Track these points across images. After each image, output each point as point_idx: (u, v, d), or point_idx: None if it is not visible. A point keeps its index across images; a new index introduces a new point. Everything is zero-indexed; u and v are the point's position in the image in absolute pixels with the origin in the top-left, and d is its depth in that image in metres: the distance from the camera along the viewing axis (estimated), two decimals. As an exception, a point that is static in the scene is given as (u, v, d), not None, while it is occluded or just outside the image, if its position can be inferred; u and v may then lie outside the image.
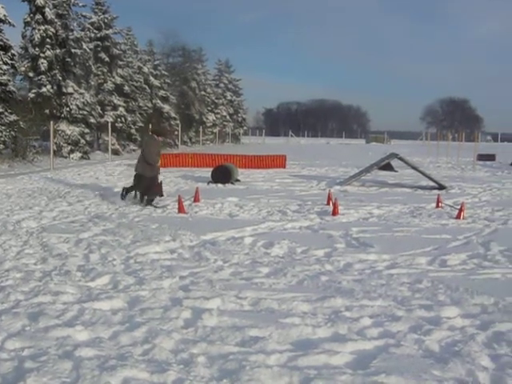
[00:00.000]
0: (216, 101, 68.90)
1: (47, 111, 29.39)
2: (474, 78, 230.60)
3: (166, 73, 52.09)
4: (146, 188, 12.90)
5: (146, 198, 12.80)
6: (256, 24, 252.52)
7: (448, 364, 4.26)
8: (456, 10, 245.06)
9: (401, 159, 18.79)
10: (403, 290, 6.33)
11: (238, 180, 18.94)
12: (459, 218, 11.56)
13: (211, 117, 64.15)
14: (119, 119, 37.68)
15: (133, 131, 39.86)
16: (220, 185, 17.67)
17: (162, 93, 48.90)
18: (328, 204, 13.16)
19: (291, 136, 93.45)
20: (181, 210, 11.79)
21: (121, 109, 38.10)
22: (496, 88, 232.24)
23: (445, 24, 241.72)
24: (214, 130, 64.12)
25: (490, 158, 36.97)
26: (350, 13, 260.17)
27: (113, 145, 33.91)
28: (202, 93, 61.88)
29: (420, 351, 4.56)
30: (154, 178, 13.07)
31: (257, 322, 5.07)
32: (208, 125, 62.48)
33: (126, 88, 39.47)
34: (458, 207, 12.07)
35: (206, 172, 20.13)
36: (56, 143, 28.26)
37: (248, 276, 6.78)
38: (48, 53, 29.52)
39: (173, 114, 49.33)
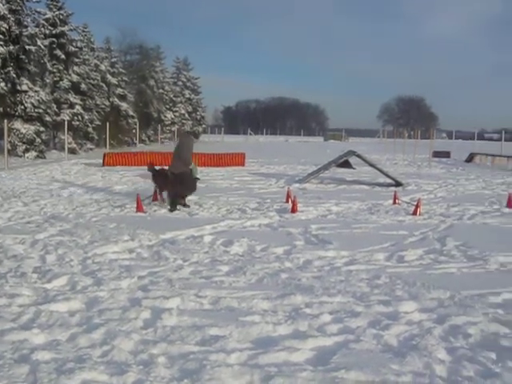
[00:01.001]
0: (174, 99, 68.44)
1: (1, 109, 28.69)
2: (429, 77, 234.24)
3: (123, 70, 51.49)
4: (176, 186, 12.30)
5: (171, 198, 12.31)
6: (214, 21, 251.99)
7: (406, 358, 4.33)
8: (411, 9, 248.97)
9: (358, 157, 19.00)
10: (362, 285, 6.40)
11: (197, 178, 18.81)
12: (416, 214, 11.76)
13: (169, 115, 63.73)
14: (76, 117, 37.02)
15: (90, 130, 39.24)
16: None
17: (119, 91, 48.33)
18: (287, 202, 13.22)
19: (250, 134, 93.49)
20: (139, 209, 11.68)
21: (77, 107, 37.46)
22: (450, 86, 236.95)
23: (401, 23, 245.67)
24: (173, 128, 63.72)
25: (445, 155, 37.74)
26: (308, 12, 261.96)
27: (69, 143, 33.32)
28: (160, 91, 61.36)
29: (379, 346, 4.62)
30: (186, 174, 12.57)
31: (217, 321, 5.06)
32: (166, 123, 62.04)
33: (83, 86, 38.83)
34: (415, 203, 12.28)
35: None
36: (10, 142, 27.62)
37: (208, 275, 6.75)
38: (1, 49, 28.81)
39: (131, 113, 48.81)
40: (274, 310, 5.45)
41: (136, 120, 48.16)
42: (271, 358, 4.30)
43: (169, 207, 12.06)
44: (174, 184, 12.06)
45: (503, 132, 44.33)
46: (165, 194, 12.72)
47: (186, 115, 72.04)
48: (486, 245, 8.62)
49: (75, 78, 38.05)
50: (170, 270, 6.93)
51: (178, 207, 12.03)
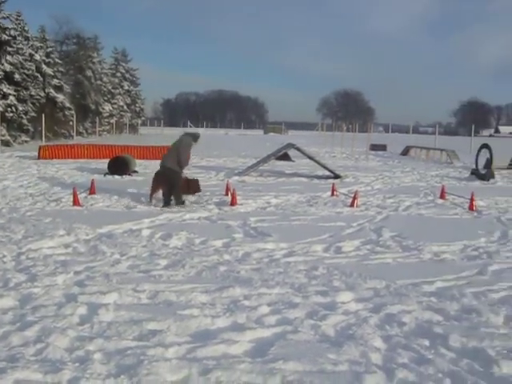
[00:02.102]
0: (113, 90, 67.19)
1: None
2: (367, 72, 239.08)
3: (59, 61, 50.08)
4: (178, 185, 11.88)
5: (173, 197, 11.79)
6: (153, 13, 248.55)
7: (343, 347, 4.40)
8: (350, 5, 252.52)
9: (297, 149, 19.16)
10: (300, 277, 6.47)
11: (135, 171, 18.60)
12: (353, 205, 11.96)
13: (108, 107, 62.51)
14: (9, 109, 35.80)
15: (24, 121, 38.03)
16: (117, 176, 17.27)
17: (55, 82, 46.96)
18: (226, 194, 13.21)
19: (190, 127, 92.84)
20: (76, 202, 11.42)
21: (11, 98, 36.21)
22: (387, 81, 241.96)
23: (340, 19, 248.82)
24: (111, 121, 62.57)
25: (382, 148, 38.54)
26: (247, 4, 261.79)
27: (3, 136, 32.24)
28: (98, 82, 60.06)
29: (316, 336, 4.67)
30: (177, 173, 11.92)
31: (155, 315, 5.00)
32: (105, 115, 60.85)
33: (17, 76, 37.56)
34: (352, 195, 12.48)
35: (103, 163, 19.61)
36: None
37: (146, 269, 6.68)
38: None
39: (67, 104, 47.56)
40: (212, 303, 5.44)
41: (73, 112, 46.99)
42: (209, 351, 4.28)
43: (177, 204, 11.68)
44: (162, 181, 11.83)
45: (437, 126, 45.54)
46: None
47: (125, 107, 70.85)
48: (421, 235, 8.87)
49: (8, 67, 36.75)
50: (107, 265, 6.81)
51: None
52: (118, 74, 72.56)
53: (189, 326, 4.82)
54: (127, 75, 74.88)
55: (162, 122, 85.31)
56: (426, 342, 4.59)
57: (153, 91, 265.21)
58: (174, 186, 11.66)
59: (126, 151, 24.06)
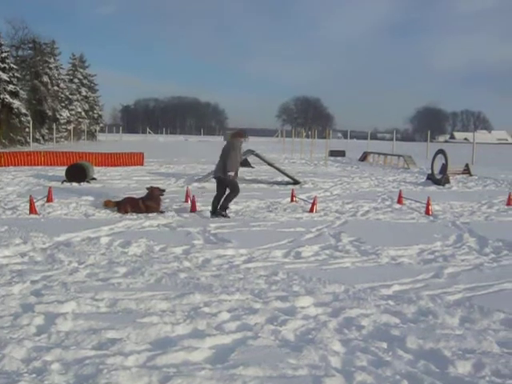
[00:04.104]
0: (70, 96, 66.26)
1: None
2: (325, 78, 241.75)
3: (15, 66, 49.11)
4: (232, 192, 11.59)
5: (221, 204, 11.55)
6: (111, 18, 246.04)
7: (302, 352, 4.43)
8: (309, 11, 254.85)
9: (257, 156, 19.21)
10: (260, 282, 6.49)
11: (93, 178, 18.39)
12: (312, 211, 12.07)
13: (65, 113, 61.58)
14: (-38, 115, 34.99)
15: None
16: (75, 184, 17.03)
17: (10, 87, 46.04)
18: (186, 201, 13.17)
19: (149, 133, 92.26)
20: (32, 210, 11.22)
21: (-37, 104, 35.43)
22: (345, 88, 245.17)
23: (297, 25, 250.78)
24: (69, 127, 61.63)
25: (341, 154, 38.98)
26: (207, 11, 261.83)
27: (-45, 143, 31.47)
28: (55, 88, 59.13)
29: (276, 341, 4.70)
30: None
31: (114, 324, 4.96)
32: (62, 122, 59.89)
33: (-31, 82, 36.76)
34: (311, 201, 12.59)
35: (60, 171, 19.34)
36: None
37: (105, 277, 6.60)
38: None
39: (23, 110, 46.68)
40: (172, 310, 5.42)
41: (29, 118, 46.11)
42: (170, 359, 4.27)
43: (222, 212, 11.45)
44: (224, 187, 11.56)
45: (394, 132, 46.43)
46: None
47: (83, 113, 69.95)
48: (378, 240, 9.01)
49: (-39, 73, 35.93)
50: (65, 274, 6.71)
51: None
52: (76, 80, 71.62)
53: (148, 333, 4.78)
54: (85, 81, 73.98)
55: (121, 128, 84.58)
56: (384, 345, 4.66)
57: (111, 97, 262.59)
58: (230, 192, 11.53)
59: (84, 158, 23.78)
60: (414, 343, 4.68)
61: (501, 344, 4.72)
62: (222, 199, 11.53)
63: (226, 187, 11.57)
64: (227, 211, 11.51)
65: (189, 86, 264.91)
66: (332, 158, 34.60)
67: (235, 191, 11.57)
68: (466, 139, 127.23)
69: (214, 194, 11.74)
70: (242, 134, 12.31)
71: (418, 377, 4.04)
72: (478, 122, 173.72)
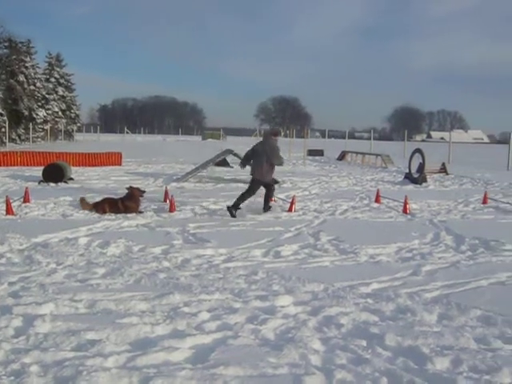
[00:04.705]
0: (47, 96, 65.54)
1: None
2: (303, 78, 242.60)
3: (-11, 65, 48.54)
4: (268, 191, 12.07)
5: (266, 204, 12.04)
6: (89, 18, 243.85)
7: (283, 351, 4.45)
8: (286, 11, 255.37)
9: (236, 155, 19.25)
10: (240, 282, 6.50)
11: (71, 178, 18.24)
12: (291, 210, 12.10)
13: (42, 113, 60.87)
14: None
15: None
16: (52, 184, 16.88)
17: (-15, 87, 45.52)
18: (165, 201, 13.13)
19: (127, 133, 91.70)
20: (9, 211, 11.09)
21: None
22: (323, 87, 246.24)
23: (274, 25, 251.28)
24: (46, 127, 61.01)
25: (319, 153, 39.12)
26: (185, 11, 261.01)
27: None
28: (32, 87, 58.46)
29: (257, 341, 4.71)
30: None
31: (93, 325, 4.93)
32: (38, 121, 59.21)
33: None
34: (290, 200, 12.62)
35: (37, 171, 19.15)
36: None
37: (83, 278, 6.56)
38: None
39: (-1, 110, 46.15)
40: (152, 311, 5.40)
41: (5, 118, 45.54)
42: (150, 359, 4.25)
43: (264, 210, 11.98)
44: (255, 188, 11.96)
45: (372, 131, 46.58)
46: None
47: (60, 113, 69.28)
48: (357, 238, 9.07)
49: None
50: (43, 275, 6.66)
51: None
52: (53, 79, 70.92)
53: (128, 334, 4.77)
54: (62, 80, 73.25)
55: (99, 128, 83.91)
56: (363, 343, 4.70)
57: (89, 97, 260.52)
58: (267, 191, 11.99)
59: (62, 158, 23.56)
60: (392, 341, 4.73)
61: (478, 340, 4.79)
62: (236, 198, 11.78)
63: (264, 186, 11.97)
64: (234, 211, 11.56)
65: (167, 85, 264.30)
66: (310, 158, 34.74)
67: (273, 188, 12.09)
68: (442, 138, 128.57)
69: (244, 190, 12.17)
70: (277, 132, 12.54)
71: (397, 374, 4.08)
72: (455, 121, 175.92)
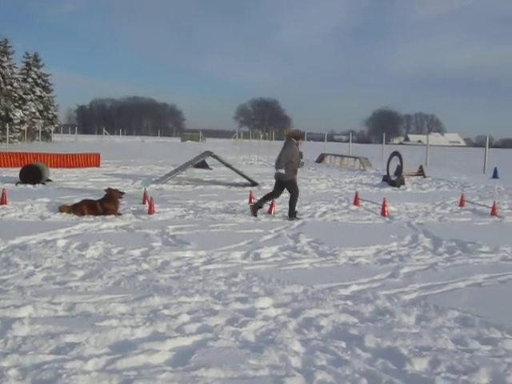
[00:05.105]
0: (24, 96, 64.77)
1: None
2: (282, 80, 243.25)
3: (-36, 65, 47.86)
4: (292, 197, 11.91)
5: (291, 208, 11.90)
6: (66, 18, 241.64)
7: (263, 352, 4.46)
8: (266, 14, 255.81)
9: (215, 157, 19.23)
10: (220, 284, 6.50)
11: (49, 180, 18.08)
12: (271, 213, 12.13)
13: (19, 113, 60.15)
14: None
15: None
16: (30, 185, 16.72)
17: (-40, 87, 44.90)
18: (144, 203, 13.08)
19: (105, 134, 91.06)
20: (-15, 213, 10.96)
21: None
22: (303, 90, 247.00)
23: (254, 28, 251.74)
24: (23, 128, 60.30)
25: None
26: (164, 11, 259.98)
27: None
28: (8, 87, 57.73)
29: (237, 342, 4.72)
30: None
31: (72, 328, 4.89)
32: (15, 122, 58.53)
33: None
34: (270, 203, 12.64)
35: (14, 172, 18.94)
36: None
37: (62, 280, 6.51)
38: None
39: (-26, 110, 45.54)
40: (131, 313, 5.38)
41: (-20, 118, 44.99)
42: (130, 362, 4.24)
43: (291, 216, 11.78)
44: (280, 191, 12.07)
45: (350, 134, 47.01)
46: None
47: (37, 114, 68.52)
48: (336, 240, 9.13)
49: None
50: (21, 277, 6.59)
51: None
52: (30, 80, 70.07)
53: (108, 337, 4.74)
54: (39, 81, 72.41)
55: (77, 129, 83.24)
56: (343, 344, 4.73)
57: (67, 97, 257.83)
58: (291, 197, 11.85)
59: (39, 159, 23.34)
60: (372, 342, 4.77)
61: (455, 341, 4.85)
62: (289, 206, 11.85)
63: (286, 189, 12.01)
64: (296, 215, 11.84)
65: (146, 86, 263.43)
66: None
67: (296, 194, 11.95)
68: (419, 141, 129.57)
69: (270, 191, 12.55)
70: (298, 135, 12.69)
71: (376, 375, 4.11)
72: (432, 124, 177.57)
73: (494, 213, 12.84)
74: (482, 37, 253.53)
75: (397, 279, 6.98)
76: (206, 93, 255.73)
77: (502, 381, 4.10)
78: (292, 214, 11.78)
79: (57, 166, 23.50)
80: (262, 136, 51.98)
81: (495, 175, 15.33)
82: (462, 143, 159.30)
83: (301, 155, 12.31)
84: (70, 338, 4.67)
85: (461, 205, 14.34)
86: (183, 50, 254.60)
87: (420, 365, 4.34)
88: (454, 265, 7.83)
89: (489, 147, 30.13)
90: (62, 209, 11.68)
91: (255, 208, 11.95)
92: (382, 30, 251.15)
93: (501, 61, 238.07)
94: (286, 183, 11.90)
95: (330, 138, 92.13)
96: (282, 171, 11.60)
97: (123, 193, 12.15)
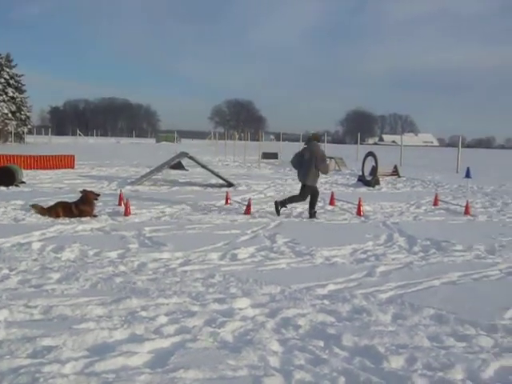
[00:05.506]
0: (-5, 97, 63.95)
1: None
2: (257, 81, 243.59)
3: None
4: (313, 197, 12.24)
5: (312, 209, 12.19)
6: (39, 18, 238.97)
7: (241, 353, 4.48)
8: (241, 16, 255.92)
9: (191, 158, 19.19)
10: (197, 285, 6.50)
11: (22, 182, 17.86)
12: (247, 213, 12.15)
13: (-10, 114, 59.39)
14: None
15: None
16: (3, 188, 16.50)
17: None
18: (120, 204, 13.00)
19: (80, 135, 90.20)
20: (-42, 216, 10.80)
21: None
22: (277, 91, 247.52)
23: (229, 29, 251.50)
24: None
25: (273, 156, 39.33)
26: (139, 11, 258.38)
27: None
28: (-21, 88, 56.97)
29: (215, 343, 4.73)
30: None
31: (49, 331, 4.85)
32: (-13, 123, 57.74)
33: None
34: (246, 203, 12.67)
35: (-14, 174, 18.65)
36: None
37: (38, 283, 6.44)
38: None
39: None
40: (109, 316, 5.35)
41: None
42: (108, 365, 4.22)
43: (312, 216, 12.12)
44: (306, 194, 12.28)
45: (325, 134, 47.19)
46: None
47: (10, 115, 67.64)
48: (312, 240, 9.18)
49: None
50: (-5, 281, 6.51)
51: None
52: (2, 80, 69.08)
53: (85, 340, 4.71)
54: (12, 81, 71.47)
55: (50, 130, 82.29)
56: (321, 343, 4.77)
57: (40, 98, 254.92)
58: (312, 197, 12.18)
59: (12, 161, 23.03)
60: (349, 341, 4.81)
61: (431, 338, 4.92)
62: (309, 206, 12.21)
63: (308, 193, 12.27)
64: (316, 214, 12.20)
65: (120, 87, 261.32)
66: (265, 160, 34.90)
67: (317, 195, 12.36)
68: (394, 142, 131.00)
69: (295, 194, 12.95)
70: (317, 137, 13.00)
71: (354, 373, 4.16)
72: (406, 125, 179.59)
73: (467, 212, 13.02)
74: (455, 39, 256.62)
75: (373, 278, 7.05)
76: (181, 93, 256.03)
77: (476, 377, 4.18)
78: (312, 214, 12.08)
79: (30, 168, 23.24)
80: (237, 137, 52.00)
81: (468, 175, 15.52)
82: (436, 143, 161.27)
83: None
84: (46, 342, 4.63)
85: (435, 204, 14.52)
86: (158, 50, 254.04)
87: (397, 362, 4.40)
88: (429, 263, 7.94)
89: (462, 147, 30.54)
90: (37, 210, 11.53)
91: (282, 205, 12.37)
92: (357, 32, 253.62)
93: (473, 63, 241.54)
94: (308, 186, 12.20)
95: (305, 139, 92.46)
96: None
97: (99, 194, 12.06)
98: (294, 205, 13.78)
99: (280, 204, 12.31)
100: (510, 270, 7.59)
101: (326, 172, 12.64)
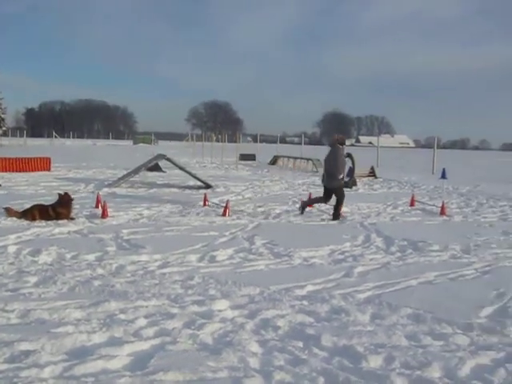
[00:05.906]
0: (-32, 99, 63.06)
1: None
2: (234, 83, 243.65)
3: None
4: (340, 199, 12.36)
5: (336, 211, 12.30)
6: (14, 18, 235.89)
7: (221, 354, 4.49)
8: (218, 17, 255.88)
9: (168, 160, 19.12)
10: (176, 287, 6.49)
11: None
12: (225, 215, 12.15)
13: (-37, 117, 58.55)
14: None
15: None
16: (-23, 191, 16.28)
17: None
18: (97, 207, 12.90)
19: (55, 137, 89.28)
20: None
21: None
22: (254, 93, 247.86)
23: (205, 30, 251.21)
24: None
25: (251, 157, 39.40)
26: (116, 12, 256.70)
27: None
28: (-49, 90, 56.11)
29: (195, 345, 4.73)
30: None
31: (27, 335, 4.80)
32: (-40, 125, 56.91)
33: None
34: (224, 205, 12.67)
35: (-40, 177, 18.42)
36: None
37: (14, 287, 6.37)
38: None
39: None
40: (87, 319, 5.32)
41: None
42: (87, 368, 4.19)
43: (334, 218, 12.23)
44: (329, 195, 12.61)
45: (303, 136, 47.43)
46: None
47: (-17, 117, 66.77)
48: (291, 242, 9.22)
49: None
50: (-29, 285, 6.43)
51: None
52: (-25, 82, 68.28)
53: (64, 343, 4.68)
54: (-15, 83, 70.59)
55: (26, 132, 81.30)
56: (300, 344, 4.80)
57: (15, 100, 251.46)
58: (338, 200, 12.33)
59: (-14, 164, 22.76)
60: (328, 341, 4.85)
61: (409, 338, 4.99)
62: (334, 209, 12.34)
63: (334, 194, 12.48)
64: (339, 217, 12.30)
65: (97, 88, 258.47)
66: (243, 162, 34.92)
67: (343, 198, 12.41)
68: (370, 143, 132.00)
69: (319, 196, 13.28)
70: (340, 139, 12.97)
71: (333, 373, 4.19)
72: (382, 126, 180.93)
73: (443, 212, 13.19)
74: (428, 42, 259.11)
75: (351, 278, 7.10)
76: (158, 95, 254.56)
77: (453, 375, 4.24)
78: (336, 216, 12.18)
79: (6, 171, 22.95)
80: (214, 138, 51.93)
81: (444, 176, 15.69)
82: (412, 144, 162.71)
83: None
84: (24, 346, 4.59)
85: (411, 205, 14.67)
86: (135, 52, 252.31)
87: (375, 361, 4.44)
88: (406, 263, 8.02)
89: (437, 148, 30.88)
90: (11, 214, 11.38)
91: (304, 205, 13.00)
92: (332, 34, 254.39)
93: (448, 66, 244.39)
94: (335, 190, 12.37)
95: (283, 140, 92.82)
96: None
97: (72, 199, 11.84)
98: (271, 207, 13.86)
99: (304, 204, 12.97)
100: (485, 269, 7.71)
101: (340, 172, 12.52)
